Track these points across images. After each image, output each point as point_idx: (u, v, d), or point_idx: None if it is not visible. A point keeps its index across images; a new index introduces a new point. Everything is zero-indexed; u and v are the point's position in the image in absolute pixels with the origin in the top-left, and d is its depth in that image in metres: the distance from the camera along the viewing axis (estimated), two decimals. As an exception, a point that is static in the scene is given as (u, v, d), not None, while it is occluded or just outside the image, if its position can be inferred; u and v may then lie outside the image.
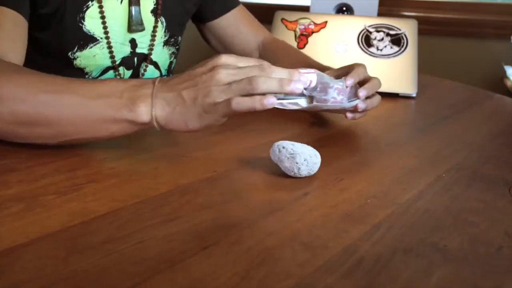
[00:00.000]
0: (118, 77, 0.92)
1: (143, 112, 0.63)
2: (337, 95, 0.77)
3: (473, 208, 0.59)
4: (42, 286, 0.41)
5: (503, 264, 0.48)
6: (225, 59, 0.63)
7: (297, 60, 1.05)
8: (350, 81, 0.78)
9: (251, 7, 1.18)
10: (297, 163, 0.64)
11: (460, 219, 0.56)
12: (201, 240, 0.49)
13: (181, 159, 0.70)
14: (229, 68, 0.62)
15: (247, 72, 0.62)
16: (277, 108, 0.69)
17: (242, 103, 0.61)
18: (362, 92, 0.79)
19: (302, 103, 0.76)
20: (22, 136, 0.68)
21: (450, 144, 0.85)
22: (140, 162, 0.68)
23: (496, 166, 0.74)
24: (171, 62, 1.02)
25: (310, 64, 1.04)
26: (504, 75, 1.76)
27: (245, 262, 0.45)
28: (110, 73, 0.92)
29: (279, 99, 0.76)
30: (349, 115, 0.82)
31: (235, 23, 1.10)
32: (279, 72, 0.63)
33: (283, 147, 0.64)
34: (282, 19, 1.32)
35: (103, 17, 0.87)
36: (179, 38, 1.02)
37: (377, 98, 0.85)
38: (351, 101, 0.80)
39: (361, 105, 0.80)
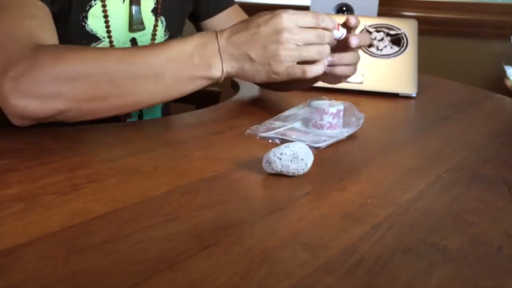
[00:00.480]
0: None
1: (216, 69, 0.70)
2: (332, 119, 0.80)
3: (473, 208, 0.59)
4: (42, 286, 0.41)
5: (503, 264, 0.48)
6: (287, 21, 0.69)
7: None
8: (354, 40, 0.81)
9: (251, 7, 1.18)
10: (302, 159, 0.64)
11: (460, 219, 0.56)
12: (201, 240, 0.49)
13: (181, 159, 0.70)
14: (293, 32, 0.69)
15: (308, 38, 0.70)
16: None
17: (314, 71, 0.72)
18: (354, 41, 0.81)
19: (298, 125, 0.78)
20: (95, 112, 0.70)
21: (450, 144, 0.85)
22: (140, 162, 0.68)
23: (496, 166, 0.74)
24: None
25: None
26: (504, 75, 1.76)
27: (245, 262, 0.45)
28: None
29: (277, 127, 0.78)
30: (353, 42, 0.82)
31: (228, 22, 1.10)
32: (329, 37, 0.74)
33: (281, 153, 0.63)
34: (282, 19, 1.32)
35: (106, 16, 0.87)
36: (178, 37, 1.02)
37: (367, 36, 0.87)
38: (347, 129, 0.83)
39: (354, 42, 0.81)
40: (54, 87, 0.66)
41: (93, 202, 0.56)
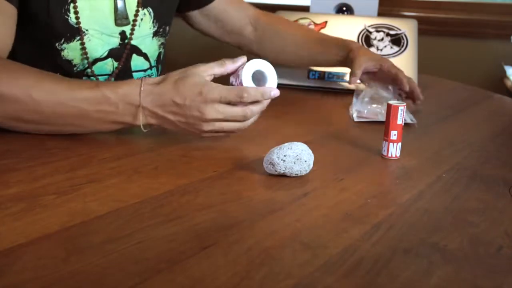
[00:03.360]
0: (108, 69, 0.92)
1: (137, 119, 0.73)
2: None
3: (473, 208, 0.60)
4: (42, 286, 0.41)
5: (503, 264, 0.48)
6: (213, 112, 0.71)
7: (304, 33, 1.09)
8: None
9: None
10: (305, 161, 0.64)
11: (460, 219, 0.56)
12: (201, 240, 0.49)
13: (181, 159, 0.70)
14: (218, 112, 0.71)
15: (231, 115, 0.72)
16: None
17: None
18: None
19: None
20: (22, 130, 0.75)
21: (450, 144, 0.85)
22: (140, 162, 0.68)
23: (496, 166, 0.74)
24: (160, 53, 1.01)
25: (318, 36, 1.07)
26: (504, 75, 1.76)
27: (245, 262, 0.45)
28: (99, 65, 0.91)
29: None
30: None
31: (224, 4, 1.10)
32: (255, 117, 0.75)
33: (285, 155, 0.63)
34: (282, 19, 1.32)
35: (76, 13, 0.85)
36: (168, 28, 1.01)
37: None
38: None
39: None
40: None
41: (93, 202, 0.56)
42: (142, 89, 0.72)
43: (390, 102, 0.74)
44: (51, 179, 0.61)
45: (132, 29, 0.92)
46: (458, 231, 0.54)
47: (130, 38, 0.93)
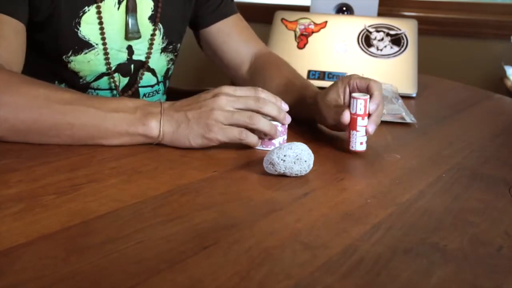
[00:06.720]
0: (113, 84, 0.91)
1: (154, 127, 0.71)
2: (264, 135, 0.75)
3: (473, 208, 0.60)
4: (42, 286, 0.41)
5: (503, 264, 0.48)
6: (226, 88, 0.73)
7: (283, 77, 0.96)
8: (371, 127, 0.75)
9: (251, 7, 1.17)
10: (305, 161, 0.64)
11: (460, 219, 0.56)
12: (201, 240, 0.49)
13: (181, 159, 0.70)
14: (229, 95, 0.72)
15: (244, 101, 0.72)
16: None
17: (249, 138, 0.72)
18: (371, 128, 0.75)
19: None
20: (35, 142, 0.72)
21: (450, 144, 0.85)
22: (140, 162, 0.68)
23: (496, 166, 0.74)
24: (168, 69, 1.00)
25: (293, 82, 0.94)
26: (504, 75, 1.76)
27: (245, 262, 0.45)
28: (105, 79, 0.91)
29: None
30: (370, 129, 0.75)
31: (227, 32, 1.04)
32: (271, 107, 0.73)
33: (285, 155, 0.63)
34: (282, 19, 1.32)
35: (100, 23, 0.86)
36: (178, 45, 1.00)
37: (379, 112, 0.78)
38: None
39: (371, 129, 0.75)
40: None
41: (93, 202, 0.56)
42: (163, 102, 0.73)
43: (354, 94, 0.74)
44: (51, 179, 0.61)
45: (150, 47, 0.93)
46: (458, 231, 0.54)
47: (148, 56, 0.93)
